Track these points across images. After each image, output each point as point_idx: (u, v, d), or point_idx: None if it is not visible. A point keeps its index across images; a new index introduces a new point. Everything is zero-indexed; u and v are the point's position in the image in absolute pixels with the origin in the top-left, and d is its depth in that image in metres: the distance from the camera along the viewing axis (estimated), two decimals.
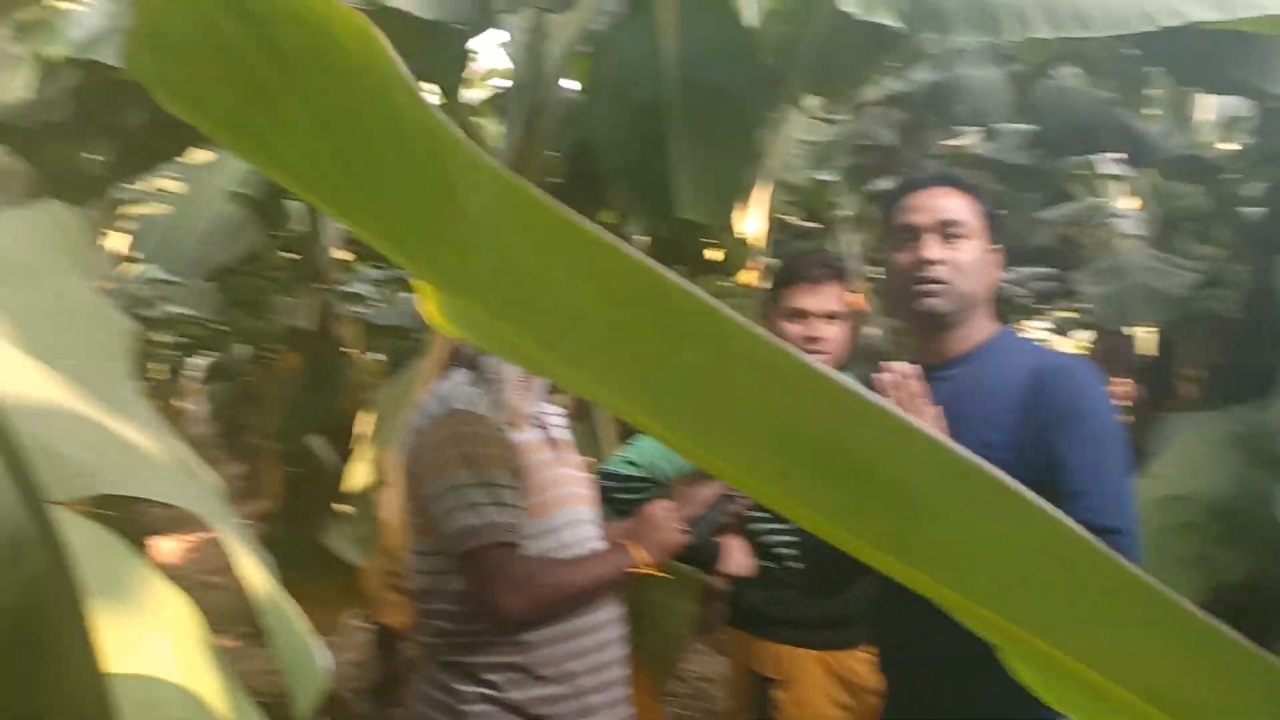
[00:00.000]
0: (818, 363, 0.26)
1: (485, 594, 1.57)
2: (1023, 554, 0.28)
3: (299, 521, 4.22)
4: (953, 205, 1.60)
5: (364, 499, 3.01)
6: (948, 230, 1.59)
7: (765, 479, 0.29)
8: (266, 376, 5.38)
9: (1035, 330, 7.21)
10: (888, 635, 1.72)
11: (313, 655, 0.68)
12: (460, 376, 1.69)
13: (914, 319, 1.63)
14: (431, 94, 4.25)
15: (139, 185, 5.08)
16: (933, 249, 1.58)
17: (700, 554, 1.97)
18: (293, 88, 0.27)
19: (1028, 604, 0.30)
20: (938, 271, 1.57)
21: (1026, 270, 5.60)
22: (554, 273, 0.27)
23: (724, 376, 0.26)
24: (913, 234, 1.61)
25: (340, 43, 0.25)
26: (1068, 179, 5.26)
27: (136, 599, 0.64)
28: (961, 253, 1.58)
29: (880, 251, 1.69)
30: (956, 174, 1.67)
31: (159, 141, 2.83)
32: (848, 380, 0.26)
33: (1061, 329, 7.01)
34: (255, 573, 0.67)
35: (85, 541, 0.62)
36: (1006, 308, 5.88)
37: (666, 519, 1.76)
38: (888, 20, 2.15)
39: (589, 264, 0.26)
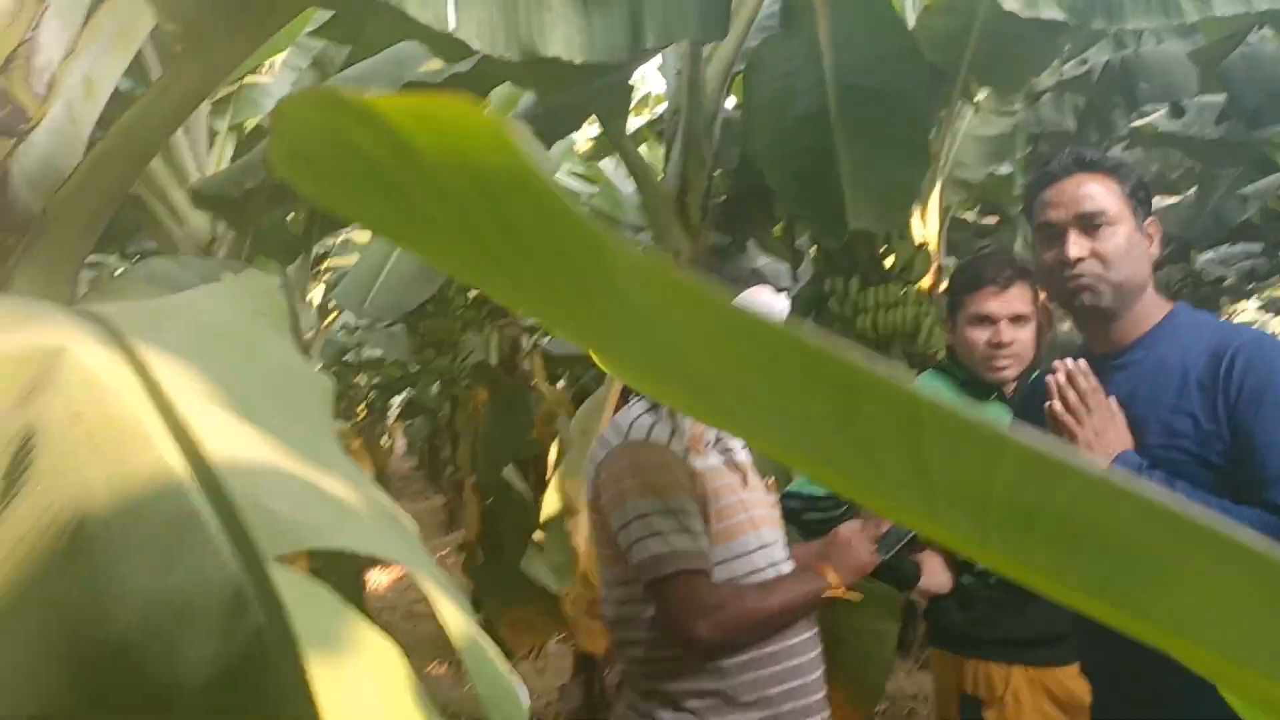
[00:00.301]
0: (1012, 428, 0.25)
1: (676, 622, 1.58)
2: (1244, 600, 0.26)
3: (499, 550, 4.36)
4: (1091, 193, 1.53)
5: (558, 527, 3.08)
6: (1089, 222, 1.51)
7: (958, 542, 0.28)
8: (460, 411, 5.59)
9: (1245, 313, 6.71)
10: (1097, 650, 1.63)
11: (513, 692, 0.70)
12: (639, 406, 1.71)
13: (1076, 315, 1.58)
14: (594, 125, 4.34)
15: (336, 240, 5.39)
16: (1075, 246, 1.51)
17: (897, 572, 1.92)
18: (431, 189, 0.28)
19: (1252, 649, 0.27)
20: (1084, 268, 1.51)
21: (1232, 249, 5.25)
22: (716, 358, 0.27)
23: (909, 449, 0.25)
24: (1055, 231, 1.54)
25: (477, 146, 0.26)
26: (1269, 150, 4.90)
27: (345, 647, 0.67)
28: (1107, 242, 1.51)
29: None
30: (1092, 156, 1.58)
31: None
32: (1046, 443, 0.25)
33: (1274, 309, 6.50)
34: (453, 613, 0.70)
35: (296, 593, 0.65)
36: (1212, 290, 5.50)
37: (857, 539, 1.73)
38: (1053, 15, 2.06)
39: (754, 347, 0.26)
